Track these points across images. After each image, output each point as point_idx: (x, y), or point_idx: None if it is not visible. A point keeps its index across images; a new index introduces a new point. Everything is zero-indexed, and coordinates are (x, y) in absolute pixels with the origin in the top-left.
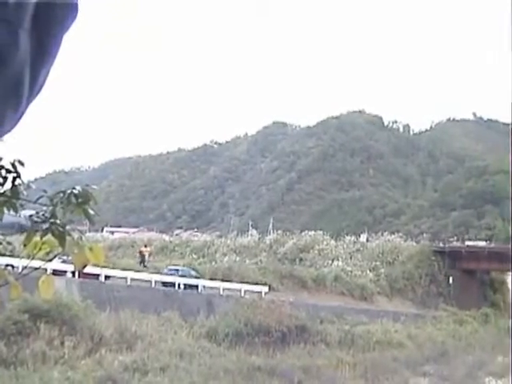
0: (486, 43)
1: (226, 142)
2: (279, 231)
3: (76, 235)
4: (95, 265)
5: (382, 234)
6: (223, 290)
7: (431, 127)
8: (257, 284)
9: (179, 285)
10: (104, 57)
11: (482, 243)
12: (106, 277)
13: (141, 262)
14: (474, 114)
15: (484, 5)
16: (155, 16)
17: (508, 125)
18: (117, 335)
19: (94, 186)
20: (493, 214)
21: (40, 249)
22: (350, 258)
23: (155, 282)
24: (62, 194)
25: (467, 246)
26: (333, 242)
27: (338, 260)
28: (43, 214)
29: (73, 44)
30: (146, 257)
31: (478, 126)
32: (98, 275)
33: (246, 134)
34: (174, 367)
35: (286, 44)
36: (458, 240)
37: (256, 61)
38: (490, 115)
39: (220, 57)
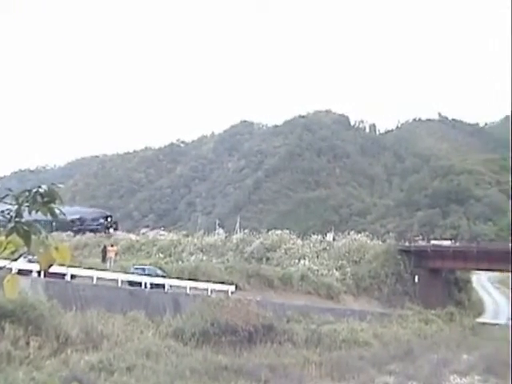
0: (451, 45)
1: (193, 141)
2: (246, 230)
3: (42, 234)
4: (61, 264)
5: (349, 233)
6: (190, 289)
7: (397, 127)
8: (224, 283)
9: (146, 284)
10: (70, 55)
11: (447, 242)
12: (72, 276)
13: (103, 260)
14: (439, 114)
15: (451, 7)
16: (125, 11)
17: (473, 125)
18: (83, 335)
19: (60, 185)
20: (458, 213)
21: (5, 248)
22: (317, 257)
23: (121, 281)
24: (27, 193)
25: (432, 245)
26: (299, 241)
27: (304, 259)
28: (8, 213)
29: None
30: (112, 256)
31: (443, 125)
32: (64, 275)
33: (213, 133)
34: (141, 367)
35: (253, 44)
36: (423, 239)
37: (224, 60)
38: (455, 115)
39: (188, 56)
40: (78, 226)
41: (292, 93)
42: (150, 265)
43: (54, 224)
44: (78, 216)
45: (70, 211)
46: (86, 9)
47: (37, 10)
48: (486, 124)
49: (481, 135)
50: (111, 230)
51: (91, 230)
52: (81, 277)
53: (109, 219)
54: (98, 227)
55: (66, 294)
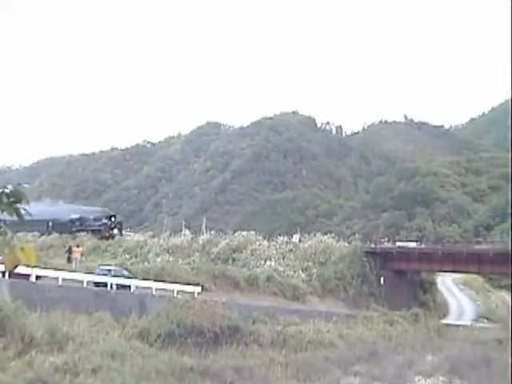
0: (416, 47)
1: (160, 142)
2: (212, 231)
3: (8, 235)
4: (26, 265)
5: (315, 235)
6: (156, 290)
7: (363, 129)
8: (190, 284)
9: (111, 285)
10: (36, 55)
11: (413, 244)
12: (37, 277)
13: (68, 260)
14: (405, 116)
15: (419, 10)
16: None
17: (438, 127)
18: (48, 336)
19: (26, 185)
20: (423, 215)
21: None
22: (283, 258)
23: (87, 282)
24: None
25: (398, 246)
26: (265, 242)
27: (270, 260)
28: None
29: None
30: (78, 257)
31: (408, 127)
32: (29, 275)
33: (180, 133)
34: (106, 368)
35: (219, 44)
36: (389, 241)
37: (190, 60)
38: (421, 117)
39: (154, 56)
40: (78, 227)
41: (259, 94)
42: (116, 266)
43: (50, 224)
44: (77, 215)
45: (69, 210)
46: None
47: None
48: (451, 126)
49: (446, 137)
50: (115, 231)
51: (93, 231)
52: (46, 277)
53: (112, 219)
54: (101, 228)
55: (31, 295)
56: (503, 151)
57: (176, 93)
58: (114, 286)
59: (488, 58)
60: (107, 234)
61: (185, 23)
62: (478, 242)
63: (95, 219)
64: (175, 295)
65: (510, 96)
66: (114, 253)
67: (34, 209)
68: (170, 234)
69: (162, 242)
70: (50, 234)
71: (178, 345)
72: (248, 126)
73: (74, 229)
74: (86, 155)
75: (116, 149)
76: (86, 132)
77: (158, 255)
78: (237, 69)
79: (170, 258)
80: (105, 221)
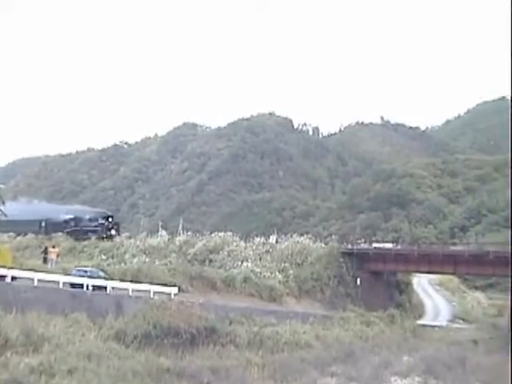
0: (392, 49)
1: (136, 143)
2: (189, 232)
3: None
4: (1, 266)
5: (292, 236)
6: (132, 291)
7: (340, 130)
8: (166, 285)
9: (87, 286)
10: (13, 54)
11: (389, 245)
12: (13, 278)
13: (44, 261)
14: (382, 118)
15: (393, 12)
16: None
17: (414, 128)
18: (23, 337)
19: (1, 185)
20: (399, 216)
21: None
22: (260, 259)
23: (63, 283)
24: None
25: (374, 247)
26: (242, 243)
27: (247, 261)
28: None
29: None
30: (54, 257)
31: (385, 129)
32: (5, 276)
33: (156, 134)
34: (82, 369)
35: (196, 45)
36: (365, 242)
37: (167, 61)
38: (397, 119)
39: (131, 57)
40: (73, 227)
41: (236, 95)
42: (93, 267)
43: (42, 224)
44: (71, 216)
45: (62, 210)
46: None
47: None
48: (427, 128)
49: (422, 139)
50: (113, 232)
51: (89, 232)
52: (22, 278)
53: (110, 219)
54: (97, 229)
55: (6, 296)
56: (478, 153)
57: (153, 93)
58: (91, 287)
59: (464, 60)
60: (105, 235)
61: (162, 24)
62: (454, 243)
63: (91, 219)
64: (152, 296)
65: (483, 99)
66: (90, 254)
67: (25, 209)
68: (147, 234)
69: (138, 242)
70: (42, 234)
71: (154, 346)
72: (225, 127)
73: (68, 229)
74: (63, 156)
75: (92, 149)
76: (63, 132)
77: (134, 256)
78: (214, 70)
79: (147, 259)
80: (101, 221)
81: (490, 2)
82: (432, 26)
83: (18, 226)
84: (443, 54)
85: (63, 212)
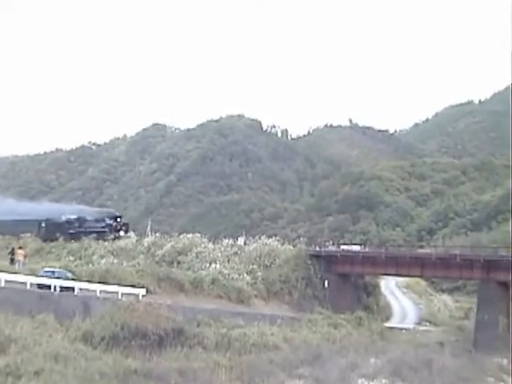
0: (362, 52)
1: (105, 144)
2: (157, 234)
3: None
4: None
5: (260, 238)
6: (100, 292)
7: (309, 132)
8: (134, 286)
9: (55, 287)
10: None
11: (357, 247)
12: None
13: (11, 262)
14: (350, 121)
15: (362, 15)
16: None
17: (383, 131)
18: None
19: None
20: (367, 218)
21: None
22: (228, 260)
23: (30, 284)
24: None
25: (342, 250)
26: (211, 244)
27: (215, 263)
28: None
29: None
30: (21, 258)
31: (353, 132)
32: None
33: (125, 135)
34: (49, 371)
35: (166, 45)
36: (333, 244)
37: (136, 62)
38: (366, 122)
39: (99, 57)
40: (77, 228)
41: (205, 96)
42: (60, 268)
43: (42, 225)
44: (74, 216)
45: (64, 210)
46: None
47: None
48: (395, 131)
49: (391, 142)
50: (121, 233)
51: (95, 233)
52: None
53: (118, 220)
54: (105, 230)
55: None
56: (446, 156)
57: (122, 94)
58: (58, 289)
59: (432, 64)
60: (113, 237)
61: (130, 24)
62: (421, 246)
63: (97, 220)
64: (120, 297)
65: (452, 102)
66: (58, 255)
67: (22, 208)
68: (115, 236)
69: (106, 243)
70: (43, 236)
71: (122, 347)
72: (194, 129)
73: (71, 231)
74: (31, 156)
75: (60, 150)
76: (31, 133)
77: (102, 257)
78: (183, 71)
79: (115, 261)
80: (109, 222)
81: (458, 8)
82: (399, 30)
83: (14, 227)
84: (411, 58)
85: (65, 212)
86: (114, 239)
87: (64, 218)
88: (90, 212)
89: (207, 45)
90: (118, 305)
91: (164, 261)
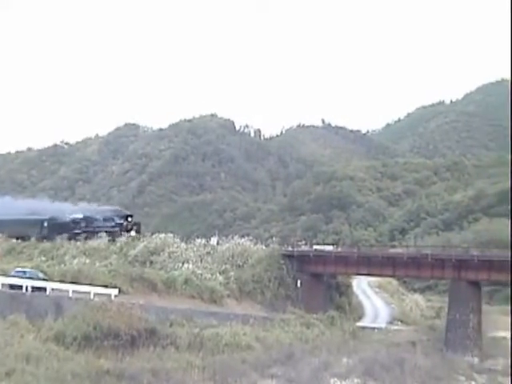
0: (334, 53)
1: (77, 143)
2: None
3: None
4: None
5: (232, 238)
6: (72, 292)
7: (281, 132)
8: (107, 287)
9: (27, 287)
10: None
11: (329, 247)
12: None
13: None
14: (323, 121)
15: (336, 15)
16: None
17: (355, 131)
18: None
19: None
20: (340, 218)
21: None
22: (201, 260)
23: (2, 284)
24: None
25: (315, 249)
26: (183, 244)
27: (188, 263)
28: None
29: None
30: None
31: (326, 132)
32: None
33: (97, 134)
34: (21, 371)
35: (138, 45)
36: (306, 244)
37: (108, 61)
38: (338, 122)
39: (72, 56)
40: (84, 228)
41: (177, 96)
42: (32, 268)
43: (44, 224)
44: (80, 215)
45: (70, 209)
46: None
47: None
48: (368, 131)
49: (363, 142)
50: (132, 233)
51: (105, 233)
52: None
53: (129, 219)
54: (115, 229)
55: None
56: (418, 156)
57: (94, 93)
58: (30, 289)
59: (404, 64)
60: (125, 237)
61: (104, 23)
62: (393, 246)
63: (106, 219)
64: (92, 298)
65: (424, 103)
66: (29, 255)
67: (24, 206)
68: (87, 236)
69: (78, 244)
70: (45, 236)
71: (94, 347)
72: (166, 128)
73: (78, 230)
74: (2, 155)
75: (32, 149)
76: (2, 132)
77: (74, 257)
78: (156, 71)
79: (87, 261)
80: (119, 221)
81: (431, 9)
82: (372, 32)
83: (14, 227)
84: (384, 59)
85: (71, 211)
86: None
87: (69, 218)
88: (98, 210)
89: (179, 45)
90: (91, 305)
91: (137, 261)
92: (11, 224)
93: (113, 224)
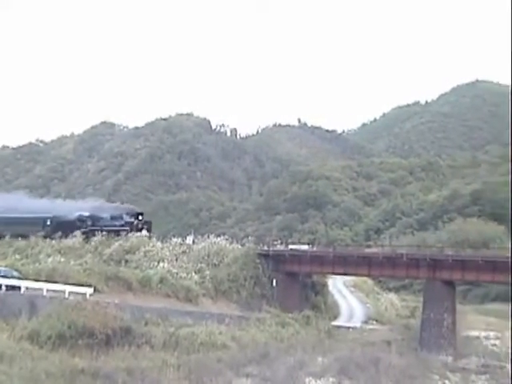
0: (309, 52)
1: (53, 141)
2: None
3: None
4: None
5: (208, 237)
6: (47, 291)
7: (258, 132)
8: (82, 285)
9: (0, 286)
10: None
11: (305, 247)
12: None
13: None
14: (299, 120)
15: (311, 16)
16: None
17: (331, 131)
18: None
19: None
20: (315, 218)
21: None
22: (176, 259)
23: None
24: None
25: (290, 249)
26: (159, 243)
27: (163, 262)
28: None
29: None
30: None
31: (302, 131)
32: None
33: (73, 133)
34: None
35: (115, 43)
36: (281, 243)
37: (85, 58)
38: (314, 121)
39: (46, 53)
40: (90, 227)
41: (154, 95)
42: (6, 266)
43: (47, 222)
44: (86, 213)
45: (76, 206)
46: None
47: None
48: (344, 131)
49: (339, 142)
50: (144, 232)
51: (113, 232)
52: None
53: (140, 218)
54: (125, 228)
55: None
56: (393, 156)
57: (70, 91)
58: (4, 287)
59: (379, 64)
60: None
61: (82, 21)
62: (369, 246)
63: (113, 218)
64: (67, 296)
65: (399, 103)
66: (3, 253)
67: (27, 204)
68: (62, 234)
69: (53, 242)
70: (48, 236)
71: (68, 346)
72: (142, 127)
73: (84, 229)
74: None
75: (7, 147)
76: None
77: (49, 256)
78: (133, 69)
79: (62, 259)
80: (129, 219)
81: (406, 10)
82: (348, 32)
83: (15, 225)
84: (359, 59)
85: (76, 208)
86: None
87: (75, 215)
88: (106, 208)
89: (156, 43)
90: (65, 304)
91: (112, 260)
92: (11, 223)
93: (122, 222)
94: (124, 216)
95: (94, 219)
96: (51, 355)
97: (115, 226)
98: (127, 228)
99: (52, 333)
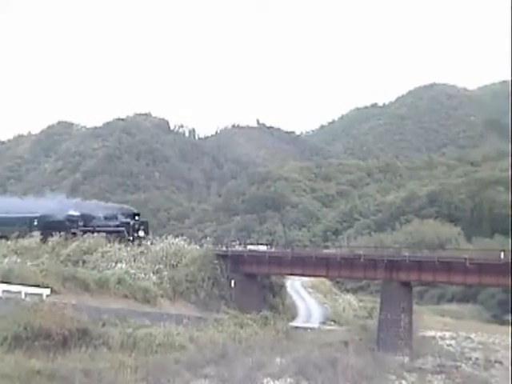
0: (272, 55)
1: (8, 141)
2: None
3: None
4: None
5: (166, 237)
6: (2, 292)
7: (216, 132)
8: (38, 286)
9: None
10: None
11: (263, 247)
12: None
13: None
14: (258, 121)
15: (273, 16)
16: None
17: (290, 132)
18: None
19: None
20: (274, 219)
21: None
22: (134, 260)
23: None
24: None
25: (249, 250)
26: (117, 244)
27: (121, 262)
28: None
29: None
30: None
31: (261, 132)
32: None
33: (30, 132)
34: None
35: (73, 43)
36: (240, 244)
37: (42, 58)
38: (273, 123)
39: (4, 52)
40: (81, 227)
41: (111, 94)
42: None
43: (34, 223)
44: (77, 213)
45: (67, 205)
46: None
47: None
48: (302, 132)
49: (297, 143)
50: (141, 233)
51: (107, 233)
52: None
53: (136, 218)
54: (120, 229)
55: None
56: (351, 158)
57: (26, 90)
58: None
59: (337, 65)
60: (131, 238)
61: (38, 20)
62: (327, 247)
63: (107, 218)
64: (23, 297)
65: (358, 105)
66: None
67: (13, 203)
68: (19, 234)
69: (9, 242)
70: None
71: (25, 348)
72: (100, 127)
73: (74, 230)
74: None
75: None
76: None
77: (5, 256)
78: (91, 68)
79: (18, 260)
80: (124, 220)
81: (370, 12)
82: (307, 33)
83: None
84: (318, 60)
85: (68, 207)
86: (132, 241)
87: (64, 215)
88: (99, 208)
89: (113, 43)
90: (22, 305)
91: (69, 260)
92: None
93: (116, 223)
94: (119, 216)
95: (86, 219)
96: (7, 357)
97: (110, 226)
98: (123, 229)
99: (8, 334)
